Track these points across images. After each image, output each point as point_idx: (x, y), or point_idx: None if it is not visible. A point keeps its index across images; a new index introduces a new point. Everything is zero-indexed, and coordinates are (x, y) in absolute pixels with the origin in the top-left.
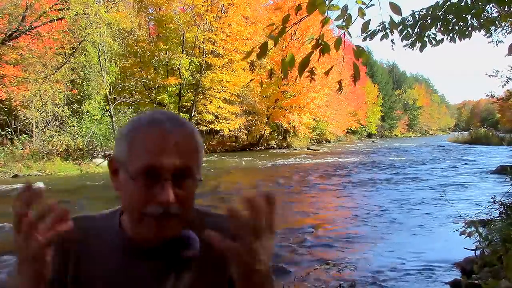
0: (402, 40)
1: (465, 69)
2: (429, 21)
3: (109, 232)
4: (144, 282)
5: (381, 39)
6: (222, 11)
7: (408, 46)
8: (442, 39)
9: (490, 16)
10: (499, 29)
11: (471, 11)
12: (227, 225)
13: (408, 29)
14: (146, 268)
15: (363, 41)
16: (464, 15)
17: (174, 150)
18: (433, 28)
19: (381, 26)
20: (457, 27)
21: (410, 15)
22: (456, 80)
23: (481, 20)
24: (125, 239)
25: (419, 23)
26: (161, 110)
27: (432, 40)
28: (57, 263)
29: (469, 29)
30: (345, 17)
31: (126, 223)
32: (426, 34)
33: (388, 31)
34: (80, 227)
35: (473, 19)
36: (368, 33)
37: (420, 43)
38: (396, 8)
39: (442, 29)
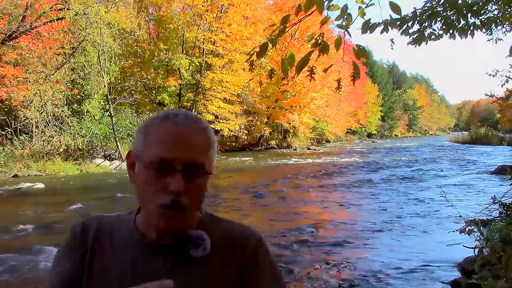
0: (401, 34)
1: (465, 69)
2: (428, 17)
3: (123, 230)
4: (155, 276)
5: (381, 32)
6: (222, 11)
7: (410, 43)
8: (442, 34)
9: (492, 15)
10: (499, 27)
11: (472, 8)
12: (236, 230)
13: (408, 23)
14: (158, 262)
15: (362, 33)
16: (464, 12)
17: (186, 145)
18: (433, 24)
19: (383, 21)
20: (458, 24)
21: (411, 12)
22: (456, 80)
23: (482, 19)
24: (138, 235)
25: (418, 19)
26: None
27: (432, 35)
28: (76, 264)
29: (471, 28)
30: (345, 17)
31: (140, 220)
32: (428, 32)
33: (388, 26)
34: (95, 225)
35: (473, 17)
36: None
37: (420, 39)
38: (395, 8)
39: (444, 27)
